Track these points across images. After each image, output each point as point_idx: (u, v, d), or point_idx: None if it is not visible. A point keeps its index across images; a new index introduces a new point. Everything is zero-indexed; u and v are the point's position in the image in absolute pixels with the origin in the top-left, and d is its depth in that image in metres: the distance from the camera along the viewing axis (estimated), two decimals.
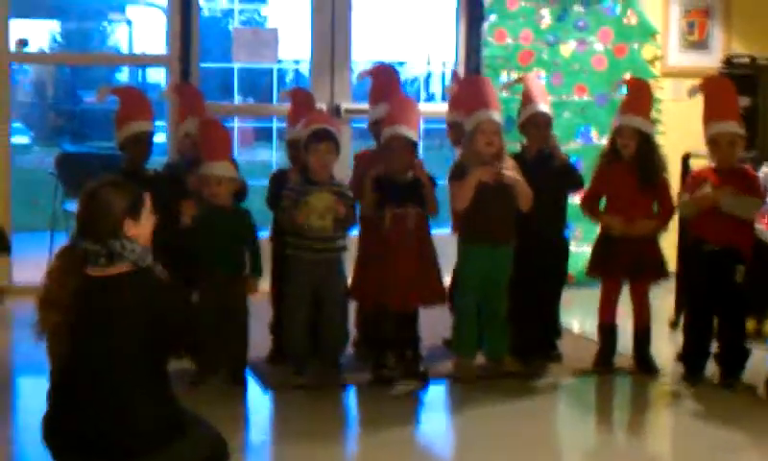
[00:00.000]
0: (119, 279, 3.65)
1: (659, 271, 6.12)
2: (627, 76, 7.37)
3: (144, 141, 5.97)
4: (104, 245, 3.65)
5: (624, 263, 6.02)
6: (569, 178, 6.17)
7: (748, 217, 5.84)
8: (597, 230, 6.26)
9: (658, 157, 6.08)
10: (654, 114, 8.23)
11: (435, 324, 6.27)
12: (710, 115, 5.86)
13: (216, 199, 5.59)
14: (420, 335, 5.95)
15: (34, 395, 5.06)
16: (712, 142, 5.85)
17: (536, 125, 6.12)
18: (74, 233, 3.75)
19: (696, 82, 6.10)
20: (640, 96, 6.16)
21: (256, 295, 5.77)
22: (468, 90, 6.15)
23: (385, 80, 6.28)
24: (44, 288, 3.67)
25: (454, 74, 7.38)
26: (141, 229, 3.73)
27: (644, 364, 6.11)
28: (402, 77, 7.28)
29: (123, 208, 3.69)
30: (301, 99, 6.38)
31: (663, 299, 6.95)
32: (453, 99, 6.46)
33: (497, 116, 5.80)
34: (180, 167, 6.15)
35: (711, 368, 5.94)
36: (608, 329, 6.16)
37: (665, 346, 6.54)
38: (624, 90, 6.64)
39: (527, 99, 6.22)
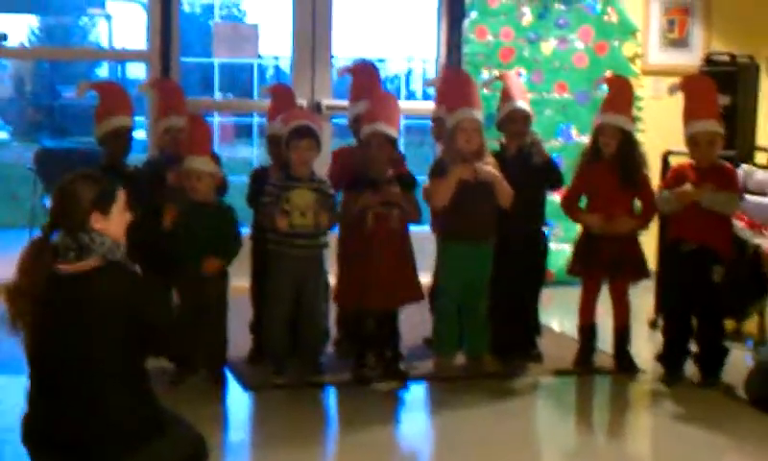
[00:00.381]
0: (89, 273, 3.62)
1: (639, 270, 6.13)
2: (608, 74, 7.37)
3: (123, 136, 5.94)
4: (73, 238, 3.62)
5: (605, 262, 6.02)
6: (549, 175, 6.16)
7: (727, 212, 5.86)
8: (578, 228, 6.26)
9: (639, 155, 6.08)
10: (634, 112, 8.27)
11: (415, 323, 6.26)
12: (690, 114, 5.87)
13: (196, 194, 5.57)
14: (400, 334, 5.93)
15: (12, 394, 5.04)
16: (692, 141, 5.86)
17: (513, 121, 6.12)
18: (45, 226, 3.72)
19: (676, 80, 6.11)
20: (621, 94, 6.16)
21: (237, 293, 5.74)
22: (448, 87, 6.14)
23: (365, 77, 6.27)
24: (14, 281, 3.65)
25: (443, 69, 7.33)
26: (110, 223, 3.69)
27: (624, 363, 6.12)
28: (383, 74, 7.26)
29: (90, 200, 3.66)
30: (282, 95, 6.36)
31: (643, 298, 6.95)
32: (439, 94, 6.45)
33: (478, 114, 5.79)
34: (159, 163, 6.12)
35: (691, 368, 5.95)
36: (587, 329, 6.16)
37: (645, 345, 6.55)
38: (604, 88, 6.64)
39: (506, 96, 6.21)
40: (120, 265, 3.69)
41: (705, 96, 5.91)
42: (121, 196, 3.76)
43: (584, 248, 6.12)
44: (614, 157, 5.98)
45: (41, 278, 3.61)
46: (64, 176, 3.75)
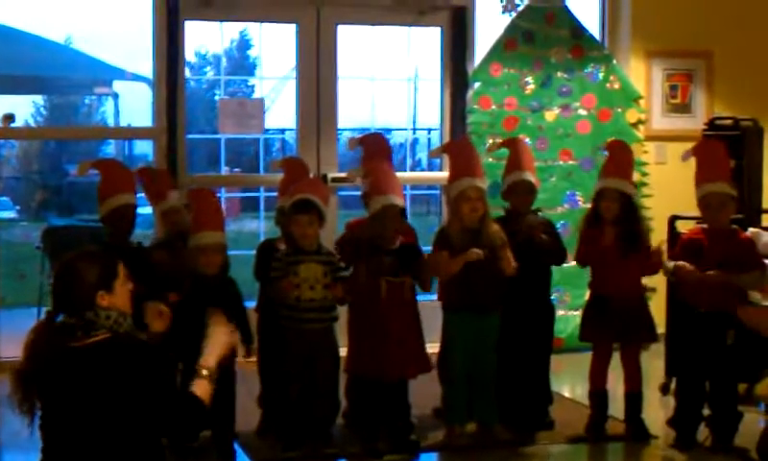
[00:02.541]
0: (97, 348, 3.60)
1: (649, 333, 6.11)
2: (609, 140, 7.40)
3: (127, 214, 5.96)
4: (79, 317, 3.62)
5: (615, 326, 6.01)
6: (551, 258, 6.17)
7: (757, 289, 5.84)
8: (586, 294, 6.25)
9: (641, 218, 6.09)
10: (639, 177, 8.31)
11: (425, 393, 6.22)
12: (702, 177, 5.88)
13: (210, 268, 5.53)
14: (410, 405, 5.90)
15: None
16: (703, 203, 5.87)
17: (516, 193, 6.15)
18: (50, 308, 3.72)
19: (688, 147, 6.12)
20: (621, 158, 6.18)
21: (245, 366, 5.72)
22: (452, 157, 6.18)
23: (376, 148, 6.30)
24: (19, 365, 3.64)
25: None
26: (116, 298, 3.70)
27: (637, 430, 6.07)
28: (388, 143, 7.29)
29: (94, 281, 3.66)
30: (295, 168, 6.39)
31: (652, 362, 6.92)
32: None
33: (482, 183, 5.82)
34: (168, 242, 6.11)
35: (703, 432, 5.90)
36: (599, 396, 6.12)
37: (656, 410, 6.50)
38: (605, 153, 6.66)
39: (512, 165, 6.24)
40: (127, 336, 3.68)
41: (716, 159, 5.93)
42: (121, 269, 3.77)
43: (593, 313, 6.10)
44: (616, 220, 5.98)
45: (48, 359, 3.60)
46: (63, 257, 3.75)
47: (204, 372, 3.73)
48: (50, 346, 3.62)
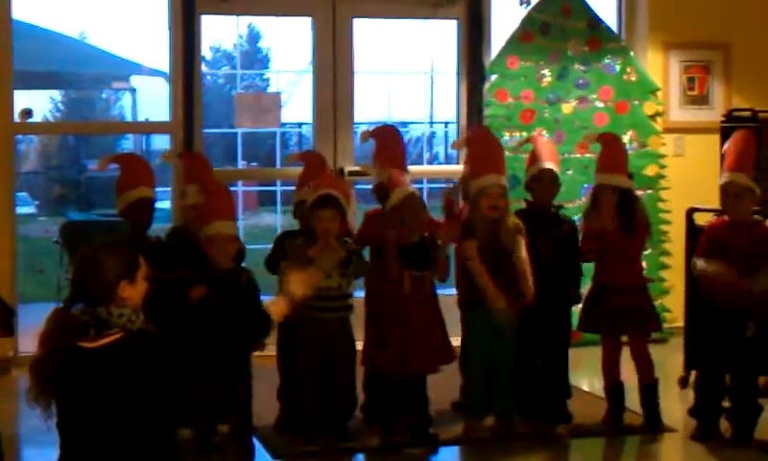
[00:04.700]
0: (110, 348, 3.60)
1: (649, 321, 6.13)
2: (588, 134, 7.39)
3: (145, 208, 5.96)
4: (92, 314, 3.61)
5: (614, 316, 6.02)
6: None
7: None
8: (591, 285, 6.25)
9: (639, 209, 6.09)
10: (657, 170, 8.30)
11: (443, 386, 6.22)
12: (725, 165, 5.89)
13: (223, 259, 5.51)
14: (429, 398, 5.90)
15: None
16: (721, 192, 5.86)
17: (540, 182, 6.14)
18: (66, 298, 3.72)
19: (706, 138, 6.11)
20: (615, 152, 6.19)
21: (264, 361, 5.72)
22: (476, 151, 6.16)
23: (389, 141, 6.29)
24: (36, 357, 3.64)
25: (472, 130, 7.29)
26: (136, 290, 3.70)
27: (652, 420, 6.07)
28: (405, 137, 7.30)
29: (118, 270, 3.66)
30: (313, 162, 6.38)
31: (671, 356, 6.90)
32: (468, 156, 6.50)
33: (503, 179, 5.81)
34: (183, 233, 6.10)
35: (723, 424, 5.88)
36: (614, 390, 6.13)
37: (676, 404, 6.47)
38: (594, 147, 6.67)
39: (536, 156, 6.24)
40: (140, 333, 3.67)
41: (742, 149, 5.92)
42: (142, 262, 3.77)
43: (592, 303, 6.10)
44: (615, 214, 5.98)
45: (62, 353, 3.60)
46: (85, 246, 3.74)
47: (290, 295, 4.39)
48: (64, 344, 3.62)
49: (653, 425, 6.05)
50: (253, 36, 26.35)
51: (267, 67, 24.55)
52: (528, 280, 5.76)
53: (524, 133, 7.97)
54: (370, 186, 6.50)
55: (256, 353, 5.58)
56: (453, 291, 6.23)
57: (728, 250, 5.76)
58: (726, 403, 5.90)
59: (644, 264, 6.41)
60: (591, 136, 6.83)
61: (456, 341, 6.09)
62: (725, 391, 5.88)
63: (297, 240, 5.87)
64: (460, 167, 7.30)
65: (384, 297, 5.77)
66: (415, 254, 5.68)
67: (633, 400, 6.16)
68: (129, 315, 3.64)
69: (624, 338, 6.16)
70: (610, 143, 6.28)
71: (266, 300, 4.78)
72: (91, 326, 3.60)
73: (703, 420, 5.91)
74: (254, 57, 26.26)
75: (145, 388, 3.57)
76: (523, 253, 5.78)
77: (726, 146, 6.00)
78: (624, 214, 5.99)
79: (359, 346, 5.93)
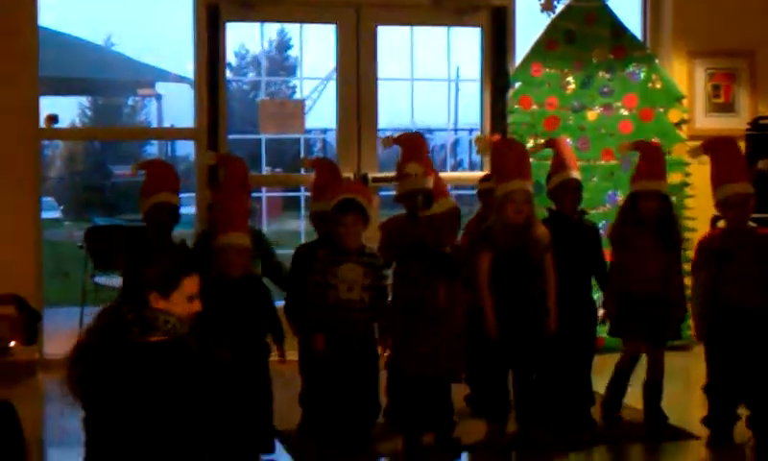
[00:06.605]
0: (148, 347, 3.63)
1: (675, 330, 6.20)
2: (624, 143, 7.39)
3: (166, 211, 6.01)
4: (138, 314, 3.65)
5: (649, 325, 6.05)
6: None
7: None
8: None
9: (678, 217, 6.16)
10: (682, 177, 8.28)
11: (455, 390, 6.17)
12: (721, 178, 5.85)
13: (234, 269, 5.50)
14: (452, 403, 5.89)
15: None
16: (725, 205, 5.83)
17: (565, 190, 6.14)
18: (116, 297, 3.77)
19: (696, 144, 6.16)
20: (656, 159, 6.20)
21: (286, 365, 5.73)
22: (500, 157, 6.16)
23: (414, 146, 6.29)
24: (80, 343, 3.67)
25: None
26: (171, 306, 3.71)
27: (654, 416, 6.14)
28: (429, 144, 7.30)
29: (149, 280, 3.70)
30: (325, 168, 6.39)
31: (694, 363, 6.86)
32: (492, 163, 6.51)
33: (529, 185, 5.82)
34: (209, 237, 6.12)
35: (745, 434, 5.86)
36: (620, 376, 6.21)
37: (700, 411, 6.43)
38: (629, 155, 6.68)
39: (558, 165, 6.23)
40: (181, 342, 3.68)
41: (734, 157, 5.91)
42: (187, 285, 3.76)
43: (628, 311, 6.09)
44: (654, 220, 6.00)
45: (101, 351, 3.63)
46: (137, 250, 3.80)
47: None
48: (106, 336, 3.65)
49: (654, 421, 6.11)
50: (284, 44, 26.45)
51: (294, 75, 24.61)
52: (554, 311, 5.77)
53: None
54: (393, 192, 6.50)
55: (280, 359, 5.61)
56: None
57: (737, 259, 5.76)
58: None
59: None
60: (629, 144, 6.81)
61: None
62: (739, 397, 5.85)
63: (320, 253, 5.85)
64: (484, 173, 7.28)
65: (415, 303, 5.70)
66: (446, 264, 5.67)
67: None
68: (174, 322, 3.66)
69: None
70: (651, 151, 6.29)
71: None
72: (136, 325, 3.63)
73: (717, 426, 5.89)
74: (283, 64, 26.34)
75: (174, 395, 3.59)
76: (551, 276, 5.79)
77: (709, 156, 5.99)
78: (664, 223, 6.01)
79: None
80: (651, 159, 6.18)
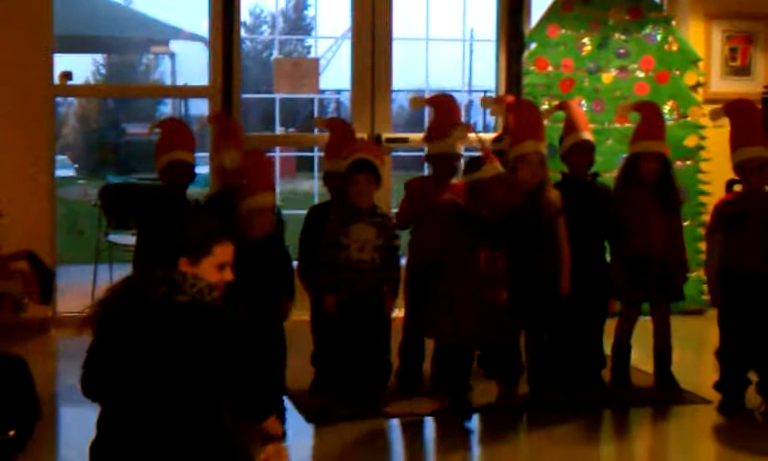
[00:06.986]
0: (172, 306, 3.62)
1: (677, 292, 6.21)
2: (623, 104, 7.38)
3: (181, 169, 6.01)
4: (166, 273, 3.64)
5: (651, 287, 6.10)
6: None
7: None
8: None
9: (676, 178, 6.19)
10: (697, 141, 8.24)
11: None
12: (740, 141, 5.84)
13: (265, 230, 5.49)
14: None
15: (77, 426, 5.09)
16: (741, 168, 5.83)
17: (580, 152, 6.11)
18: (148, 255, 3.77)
19: (718, 107, 6.12)
20: (656, 120, 6.20)
21: (298, 325, 5.75)
22: (515, 118, 6.13)
23: (447, 110, 6.24)
24: (98, 304, 3.69)
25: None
26: (199, 271, 3.69)
27: (664, 379, 6.18)
28: None
29: (181, 244, 3.69)
30: (339, 129, 6.38)
31: (707, 328, 6.86)
32: (506, 124, 6.48)
33: (543, 147, 5.79)
34: (224, 196, 6.10)
35: (756, 399, 5.86)
36: (622, 349, 6.26)
37: (712, 376, 6.43)
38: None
39: (570, 127, 6.20)
40: (207, 306, 3.67)
41: (753, 121, 5.87)
42: (218, 252, 3.73)
43: (630, 273, 6.09)
44: (655, 182, 6.03)
45: (126, 306, 3.64)
46: (176, 210, 3.78)
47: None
48: (132, 292, 3.65)
49: (664, 383, 6.17)
50: (300, 2, 26.34)
51: (309, 34, 24.54)
52: (566, 274, 5.75)
53: None
54: (409, 154, 6.48)
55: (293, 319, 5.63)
56: None
57: (749, 223, 5.75)
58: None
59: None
60: (627, 105, 6.82)
61: None
62: (750, 361, 5.85)
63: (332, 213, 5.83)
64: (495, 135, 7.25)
65: (454, 271, 5.57)
66: (492, 233, 5.56)
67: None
68: (201, 287, 3.65)
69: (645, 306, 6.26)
70: (651, 112, 6.28)
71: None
72: (164, 284, 3.62)
73: (729, 392, 5.89)
74: (298, 23, 26.25)
75: (194, 358, 3.59)
76: (563, 239, 5.76)
77: (727, 118, 5.97)
78: (663, 184, 6.00)
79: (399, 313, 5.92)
80: (651, 120, 6.17)
